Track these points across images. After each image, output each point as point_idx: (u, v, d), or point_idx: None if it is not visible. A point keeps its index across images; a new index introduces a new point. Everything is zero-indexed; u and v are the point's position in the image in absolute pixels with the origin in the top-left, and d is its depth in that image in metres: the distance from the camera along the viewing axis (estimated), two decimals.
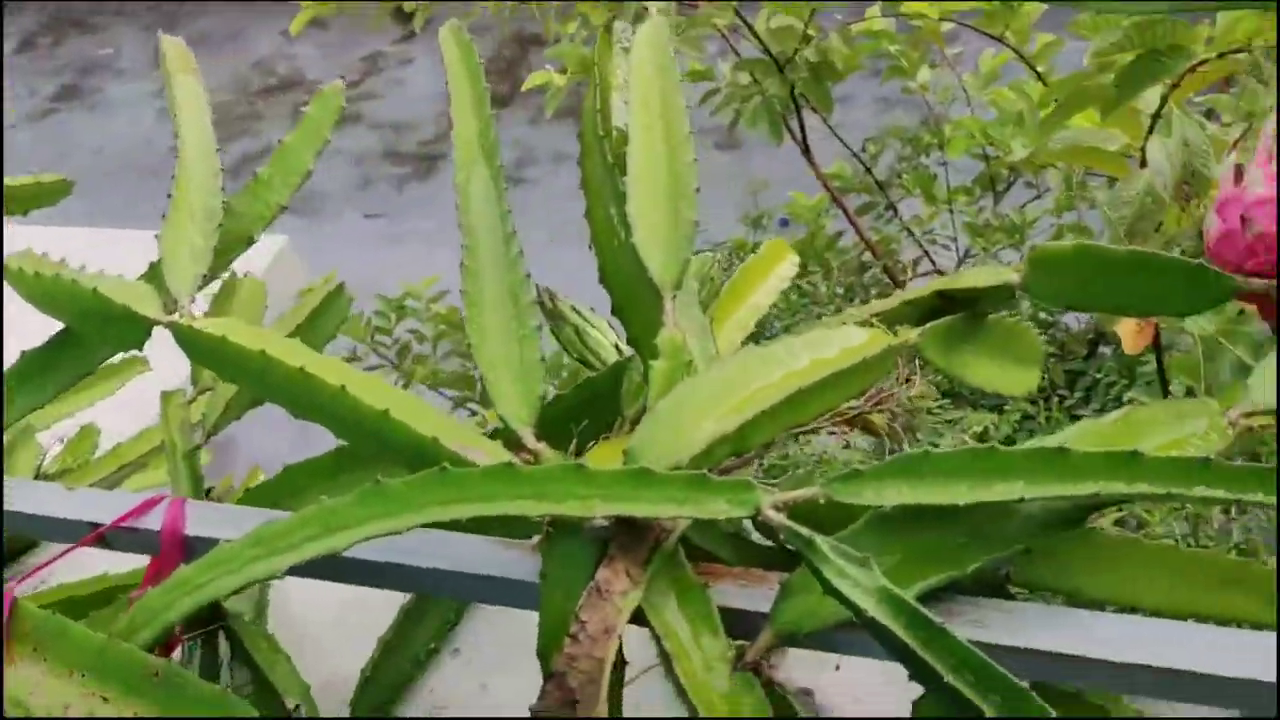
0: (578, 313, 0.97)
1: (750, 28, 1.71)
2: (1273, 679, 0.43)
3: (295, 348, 0.58)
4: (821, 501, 0.45)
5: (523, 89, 1.48)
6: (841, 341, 0.55)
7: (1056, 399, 1.52)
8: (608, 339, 0.94)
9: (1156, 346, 1.22)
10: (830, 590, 0.43)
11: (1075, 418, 1.39)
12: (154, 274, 0.63)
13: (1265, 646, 0.45)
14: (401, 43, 6.01)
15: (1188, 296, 0.51)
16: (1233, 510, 1.02)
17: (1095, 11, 0.78)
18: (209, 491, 0.83)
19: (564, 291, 0.90)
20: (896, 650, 0.42)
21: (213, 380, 0.81)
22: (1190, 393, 1.20)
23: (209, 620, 0.65)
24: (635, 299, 0.57)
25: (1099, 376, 1.53)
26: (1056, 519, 0.48)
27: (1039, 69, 1.79)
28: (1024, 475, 0.45)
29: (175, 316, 0.57)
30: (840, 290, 1.98)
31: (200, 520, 0.59)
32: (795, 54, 1.75)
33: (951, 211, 2.18)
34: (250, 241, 0.68)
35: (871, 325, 0.59)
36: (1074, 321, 1.85)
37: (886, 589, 0.42)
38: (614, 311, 0.59)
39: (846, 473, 0.45)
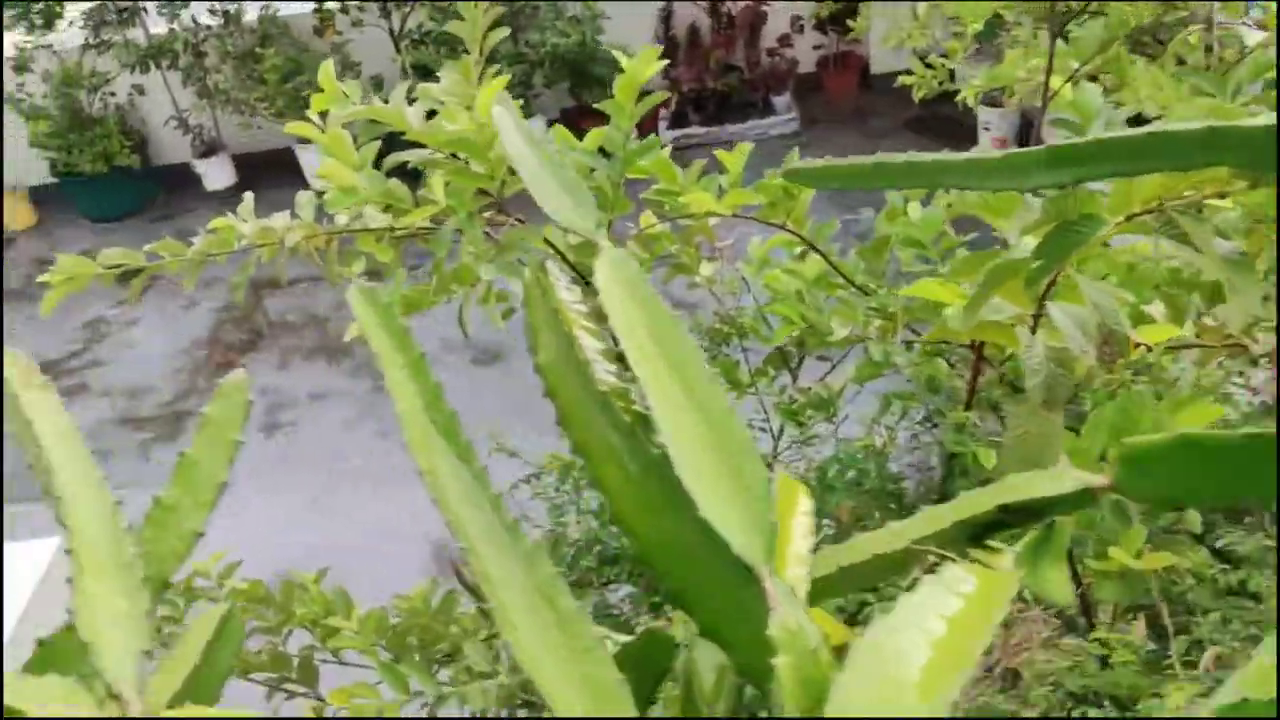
0: None
1: (556, 248, 1.68)
2: None
3: None
4: None
5: (346, 339, 1.36)
6: (957, 591, 0.47)
7: None
8: None
9: None
10: None
11: None
12: (68, 654, 0.47)
13: None
14: (124, 305, 5.68)
15: None
16: None
17: (994, 189, 0.79)
18: None
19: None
20: None
21: None
22: None
23: None
24: (705, 582, 0.47)
25: None
26: None
27: (820, 248, 1.86)
28: None
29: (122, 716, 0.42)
30: None
31: None
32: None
33: (757, 393, 2.21)
34: (166, 585, 0.54)
35: (955, 558, 0.52)
36: None
37: None
38: (671, 598, 0.49)
39: None
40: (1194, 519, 1.25)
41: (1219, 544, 1.16)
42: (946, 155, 0.78)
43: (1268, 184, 0.68)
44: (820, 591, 0.57)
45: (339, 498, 4.36)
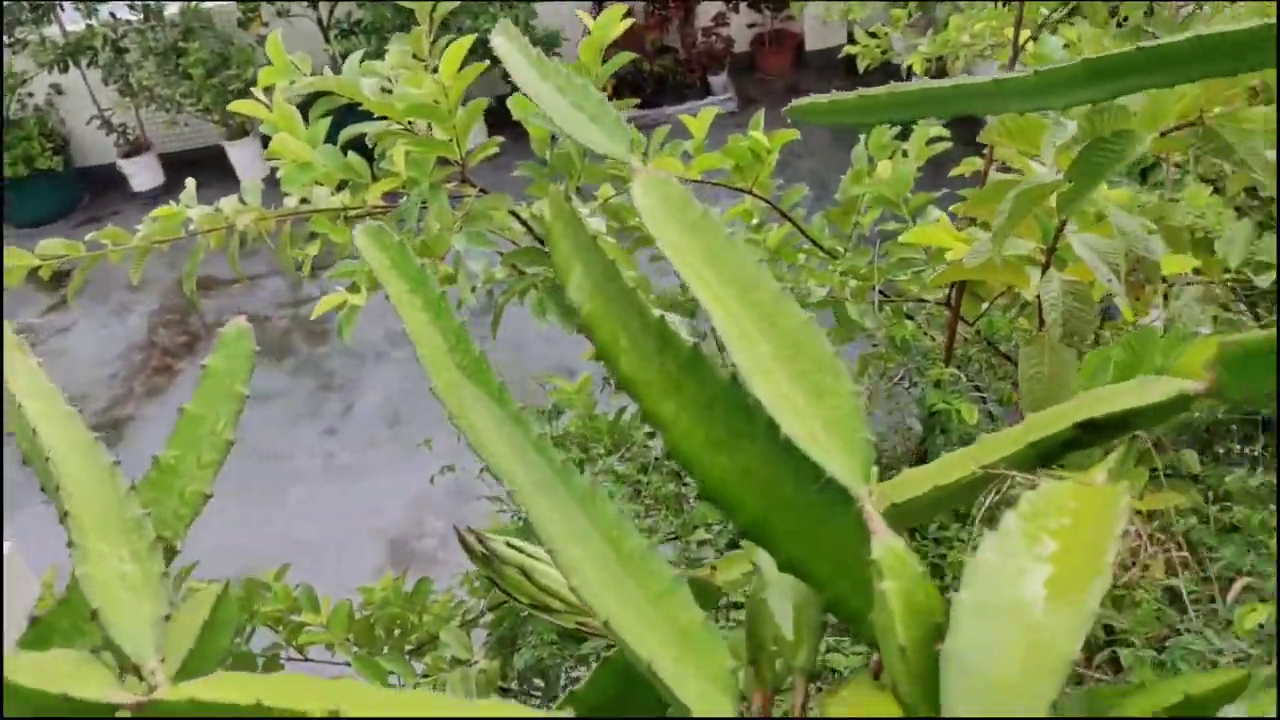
0: (517, 549, 0.81)
1: (520, 218, 1.63)
2: None
3: (305, 688, 0.39)
4: None
5: (313, 316, 1.29)
6: (1062, 507, 0.43)
7: None
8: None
9: None
10: None
11: None
12: (66, 630, 0.42)
13: None
14: (52, 312, 5.49)
15: None
16: None
17: (1020, 111, 0.76)
18: None
19: None
20: None
21: None
22: None
23: None
24: (788, 511, 0.43)
25: None
26: None
27: (788, 214, 1.84)
28: None
29: (146, 693, 0.37)
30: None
31: None
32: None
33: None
34: (173, 552, 0.48)
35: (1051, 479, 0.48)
36: None
37: None
38: (746, 533, 0.45)
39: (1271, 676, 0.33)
40: (1191, 460, 1.24)
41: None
42: (967, 79, 0.75)
43: None
44: None
45: (288, 499, 4.26)
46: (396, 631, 1.86)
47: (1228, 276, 1.11)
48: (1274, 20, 0.56)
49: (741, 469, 0.44)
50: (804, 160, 4.75)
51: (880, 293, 1.75)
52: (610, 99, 1.72)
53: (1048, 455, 0.54)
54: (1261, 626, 0.89)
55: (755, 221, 1.99)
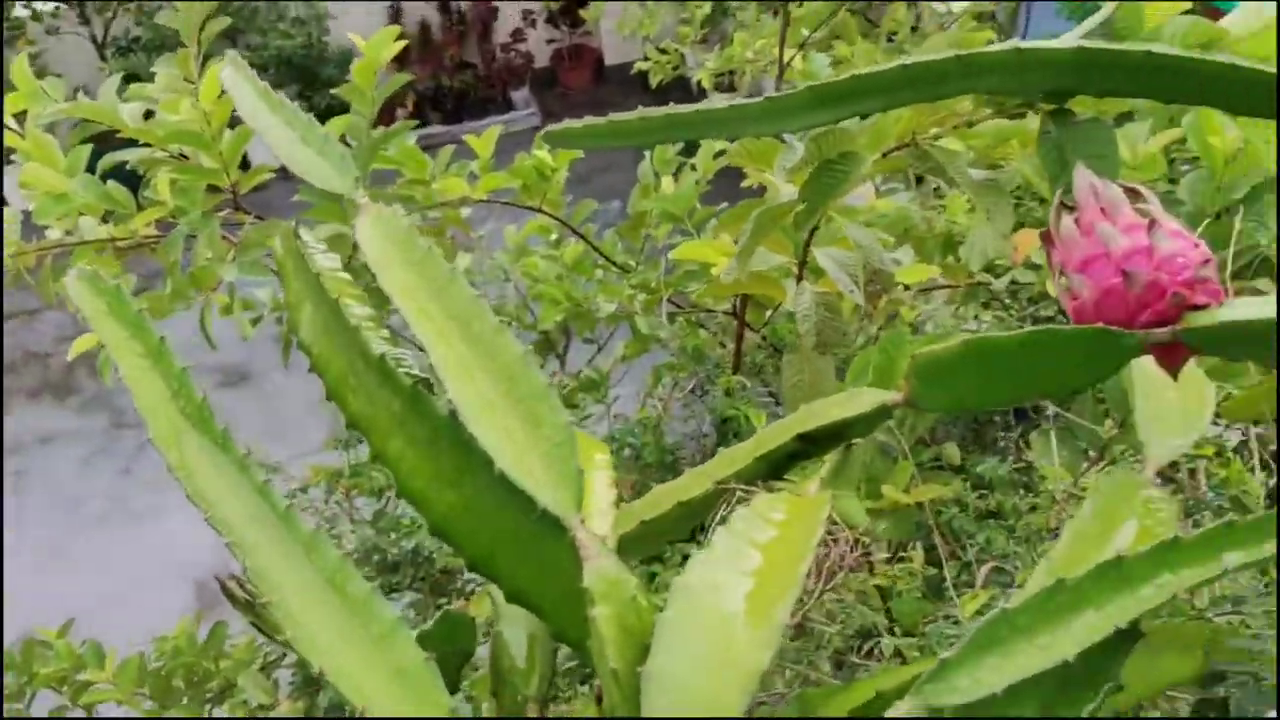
0: None
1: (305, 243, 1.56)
2: None
3: None
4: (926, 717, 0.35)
5: (69, 358, 1.22)
6: (769, 519, 0.45)
7: None
8: None
9: None
10: None
11: None
12: None
13: None
14: None
15: (1092, 365, 0.48)
16: None
17: (757, 135, 0.79)
18: None
19: None
20: None
21: None
22: None
23: None
24: (510, 543, 0.44)
25: None
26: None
27: (578, 230, 1.86)
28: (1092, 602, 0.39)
29: None
30: None
31: None
32: (351, 259, 1.65)
33: None
34: None
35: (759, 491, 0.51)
36: None
37: None
38: (473, 568, 0.45)
39: (933, 669, 0.36)
40: (953, 452, 1.31)
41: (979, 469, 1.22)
42: (708, 105, 0.77)
43: (1009, 113, 0.71)
44: (625, 550, 0.54)
45: (82, 547, 4.00)
46: (196, 680, 1.78)
47: (974, 280, 1.19)
48: (961, 53, 0.61)
49: (465, 504, 0.44)
50: (608, 174, 4.79)
51: (674, 304, 1.79)
52: (410, 116, 1.69)
53: (777, 467, 0.56)
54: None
55: (554, 237, 2.00)
